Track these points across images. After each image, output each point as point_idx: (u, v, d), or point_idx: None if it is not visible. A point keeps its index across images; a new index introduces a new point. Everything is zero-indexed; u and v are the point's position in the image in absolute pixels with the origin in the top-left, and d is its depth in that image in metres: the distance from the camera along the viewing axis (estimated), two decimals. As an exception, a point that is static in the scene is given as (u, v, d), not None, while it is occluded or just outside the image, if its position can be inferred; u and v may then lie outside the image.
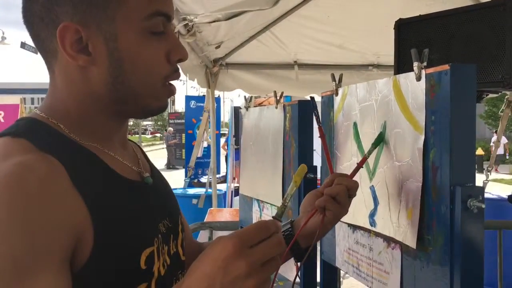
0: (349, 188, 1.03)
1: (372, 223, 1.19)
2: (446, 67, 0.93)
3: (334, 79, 1.38)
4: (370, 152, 1.13)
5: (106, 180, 0.81)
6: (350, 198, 1.05)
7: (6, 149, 0.73)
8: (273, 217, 0.81)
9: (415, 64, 1.00)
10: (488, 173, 4.95)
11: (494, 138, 5.18)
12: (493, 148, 5.15)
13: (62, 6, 0.77)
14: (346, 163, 1.32)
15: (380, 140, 1.13)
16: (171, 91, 0.85)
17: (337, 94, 1.38)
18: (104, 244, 0.74)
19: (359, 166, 1.12)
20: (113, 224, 0.76)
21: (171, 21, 0.84)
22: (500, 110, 5.25)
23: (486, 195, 3.84)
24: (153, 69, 0.81)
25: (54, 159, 0.73)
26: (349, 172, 1.10)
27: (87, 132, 0.83)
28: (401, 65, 2.10)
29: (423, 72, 0.99)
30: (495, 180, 12.99)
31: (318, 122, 1.29)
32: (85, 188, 0.74)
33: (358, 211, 1.25)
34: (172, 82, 0.86)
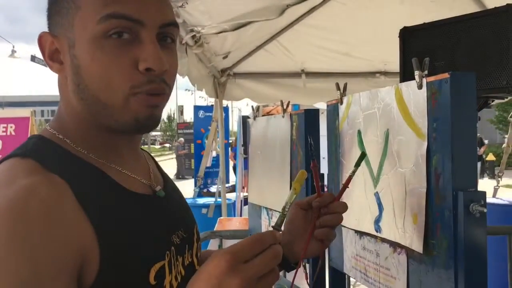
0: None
1: (378, 229, 1.21)
2: (446, 75, 0.95)
3: (338, 88, 1.41)
4: (354, 172, 1.15)
5: (113, 196, 0.80)
6: None
7: (13, 171, 0.73)
8: (272, 226, 0.80)
9: (416, 72, 1.02)
10: (499, 178, 4.93)
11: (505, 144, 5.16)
12: (504, 153, 5.12)
13: (48, 19, 0.82)
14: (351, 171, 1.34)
15: (362, 159, 1.15)
16: (149, 102, 0.78)
17: (341, 102, 1.41)
18: (110, 263, 0.73)
19: (345, 186, 1.15)
20: (119, 242, 0.75)
21: (144, 25, 0.77)
22: (510, 115, 5.23)
23: (496, 201, 3.83)
24: (113, 76, 0.76)
25: (60, 178, 0.73)
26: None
27: (91, 146, 0.82)
28: (407, 73, 2.12)
29: (424, 80, 1.02)
30: (507, 186, 12.89)
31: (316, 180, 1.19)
32: (90, 207, 0.73)
33: (363, 217, 1.27)
34: (153, 93, 0.78)
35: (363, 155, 1.12)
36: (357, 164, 1.14)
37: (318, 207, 1.02)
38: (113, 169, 0.83)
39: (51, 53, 0.81)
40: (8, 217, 0.66)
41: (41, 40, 0.81)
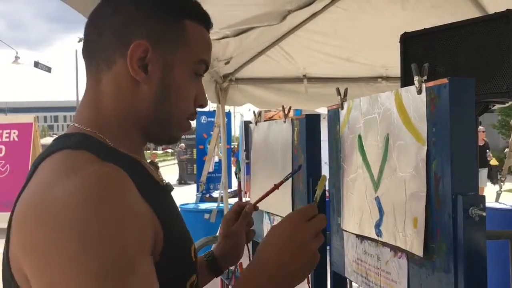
0: None
1: (378, 233, 1.21)
2: (445, 80, 0.96)
3: (339, 93, 1.42)
4: (287, 179, 1.32)
5: (154, 187, 0.89)
6: None
7: (72, 160, 0.78)
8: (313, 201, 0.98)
9: (416, 78, 1.03)
10: (502, 183, 4.92)
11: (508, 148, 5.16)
12: (506, 158, 5.11)
13: (139, 27, 0.88)
14: (352, 175, 1.35)
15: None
16: (189, 127, 0.98)
17: (342, 108, 1.42)
18: (169, 243, 0.83)
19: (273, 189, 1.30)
20: (171, 225, 0.85)
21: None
22: (512, 120, 5.23)
23: (499, 206, 3.82)
24: (187, 103, 0.94)
25: (120, 168, 0.79)
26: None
27: (125, 146, 0.89)
28: (408, 78, 2.13)
29: (424, 85, 1.03)
30: (510, 191, 12.83)
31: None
32: (146, 194, 0.81)
33: (364, 221, 1.27)
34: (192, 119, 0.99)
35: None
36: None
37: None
38: (145, 164, 0.93)
39: (138, 60, 0.87)
40: (97, 196, 0.72)
41: (136, 46, 0.86)
